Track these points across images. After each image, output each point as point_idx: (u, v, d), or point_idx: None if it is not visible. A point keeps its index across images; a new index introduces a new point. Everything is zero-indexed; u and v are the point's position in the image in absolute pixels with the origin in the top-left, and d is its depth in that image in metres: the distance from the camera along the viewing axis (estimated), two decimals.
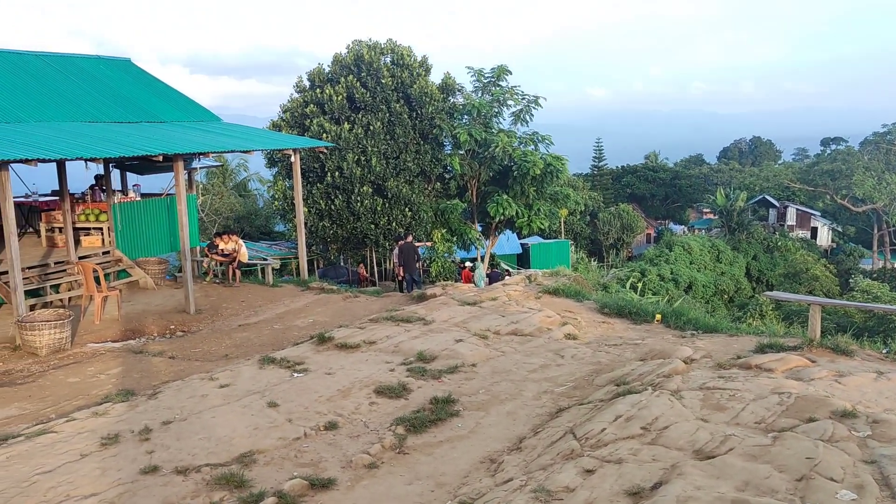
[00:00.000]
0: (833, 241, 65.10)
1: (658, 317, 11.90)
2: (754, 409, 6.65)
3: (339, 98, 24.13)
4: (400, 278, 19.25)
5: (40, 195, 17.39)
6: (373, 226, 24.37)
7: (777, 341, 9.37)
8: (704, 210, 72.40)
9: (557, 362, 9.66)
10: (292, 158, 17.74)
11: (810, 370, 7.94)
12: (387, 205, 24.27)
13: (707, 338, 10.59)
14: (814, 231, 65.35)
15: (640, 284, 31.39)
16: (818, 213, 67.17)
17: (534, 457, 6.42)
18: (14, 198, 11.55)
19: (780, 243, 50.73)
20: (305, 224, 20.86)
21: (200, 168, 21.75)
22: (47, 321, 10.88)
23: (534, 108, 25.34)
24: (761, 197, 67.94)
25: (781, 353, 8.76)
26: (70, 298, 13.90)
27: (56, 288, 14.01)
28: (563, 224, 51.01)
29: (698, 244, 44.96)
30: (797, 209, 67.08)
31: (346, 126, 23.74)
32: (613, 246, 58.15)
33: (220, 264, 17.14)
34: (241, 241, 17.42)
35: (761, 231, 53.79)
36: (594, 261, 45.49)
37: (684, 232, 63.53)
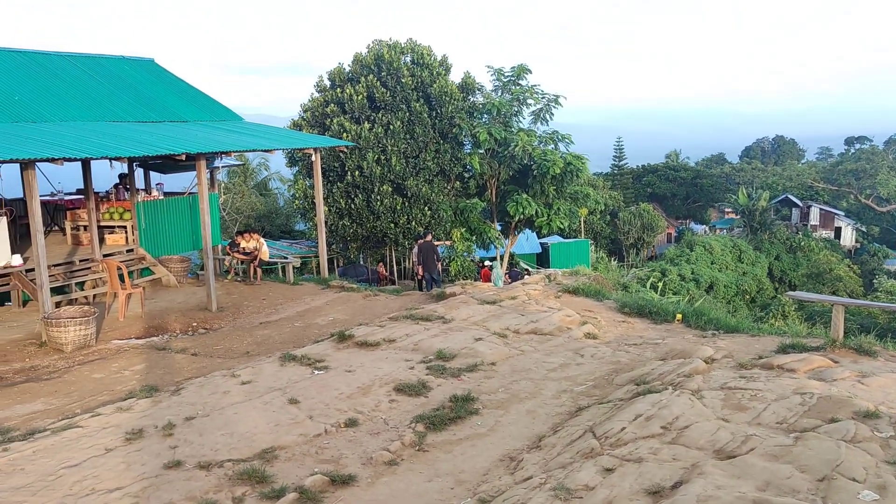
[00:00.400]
0: (857, 241, 64.22)
1: (679, 316, 11.83)
2: (776, 410, 6.61)
3: (360, 97, 24.23)
4: (419, 277, 19.30)
5: (65, 194, 17.66)
6: (392, 225, 24.46)
7: (799, 342, 9.29)
8: (726, 210, 71.74)
9: (577, 361, 9.65)
10: (313, 157, 17.85)
11: (833, 371, 7.87)
12: (406, 204, 24.34)
13: (728, 338, 10.52)
14: (837, 231, 64.50)
15: (660, 284, 31.18)
16: (842, 213, 66.31)
17: (553, 455, 6.42)
18: (40, 196, 11.74)
19: (803, 243, 50.17)
20: (325, 223, 20.97)
21: (222, 167, 21.96)
22: (73, 318, 11.05)
23: (554, 106, 25.24)
24: (784, 196, 67.18)
25: (804, 353, 8.68)
26: (95, 296, 14.10)
27: (81, 285, 14.21)
28: (582, 223, 50.79)
29: (720, 244, 44.58)
30: (821, 209, 66.25)
31: (367, 125, 23.85)
32: (634, 245, 57.81)
33: (242, 262, 17.29)
34: (262, 240, 17.56)
35: (784, 231, 53.22)
36: (614, 260, 45.25)
37: (705, 231, 62.98)
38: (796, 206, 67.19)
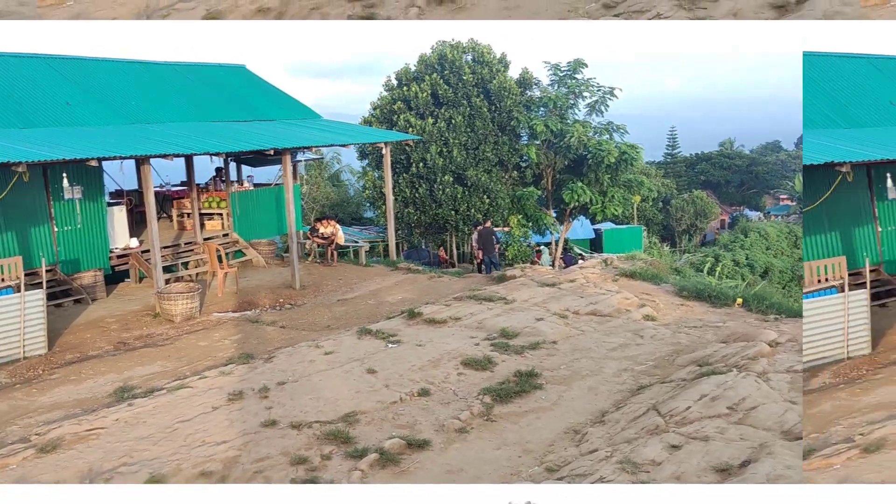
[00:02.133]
0: None
1: (739, 300, 11.46)
2: None
3: (424, 95, 24.34)
4: (478, 261, 19.37)
5: (172, 185, 18.47)
6: (453, 212, 24.60)
7: None
8: (782, 196, 68.82)
9: (637, 342, 9.53)
10: (384, 151, 18.16)
11: None
12: (466, 193, 24.43)
13: (792, 322, 10.15)
14: None
15: (718, 269, 30.24)
16: None
17: (617, 430, 6.39)
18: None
19: None
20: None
21: (304, 160, 22.47)
22: (181, 293, 11.64)
23: (609, 98, 24.76)
24: None
25: None
26: (197, 274, 14.79)
27: (186, 265, 14.95)
28: (635, 210, 49.69)
29: (775, 230, 42.82)
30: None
31: (430, 120, 23.98)
32: (686, 232, 56.24)
33: (320, 246, 17.71)
34: (338, 226, 17.95)
35: None
36: (666, 246, 44.13)
37: (760, 218, 60.68)
38: None
